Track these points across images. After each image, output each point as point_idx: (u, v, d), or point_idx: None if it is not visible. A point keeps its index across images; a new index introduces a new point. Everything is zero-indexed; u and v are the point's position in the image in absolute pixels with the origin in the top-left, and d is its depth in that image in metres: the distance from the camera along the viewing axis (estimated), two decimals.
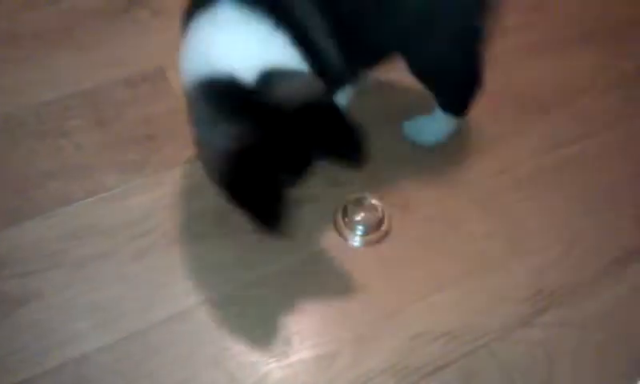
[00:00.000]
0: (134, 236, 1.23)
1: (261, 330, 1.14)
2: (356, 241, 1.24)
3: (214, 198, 1.26)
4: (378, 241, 1.24)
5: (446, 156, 1.35)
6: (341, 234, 1.25)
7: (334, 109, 0.98)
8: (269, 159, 0.96)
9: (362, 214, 1.26)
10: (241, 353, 1.12)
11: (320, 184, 1.28)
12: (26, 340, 1.11)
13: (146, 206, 1.27)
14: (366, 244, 1.24)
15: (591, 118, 1.45)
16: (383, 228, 1.25)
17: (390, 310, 1.16)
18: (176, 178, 1.30)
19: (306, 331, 1.14)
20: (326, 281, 1.19)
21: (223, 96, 0.98)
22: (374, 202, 1.28)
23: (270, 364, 1.11)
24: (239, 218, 1.22)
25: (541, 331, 1.15)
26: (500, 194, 1.31)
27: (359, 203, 1.27)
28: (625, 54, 1.57)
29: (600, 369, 1.13)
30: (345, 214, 1.26)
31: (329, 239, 1.24)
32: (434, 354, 1.12)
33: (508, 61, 1.52)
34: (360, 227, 1.24)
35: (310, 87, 0.99)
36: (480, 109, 1.41)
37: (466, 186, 1.32)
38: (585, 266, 1.23)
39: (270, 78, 0.97)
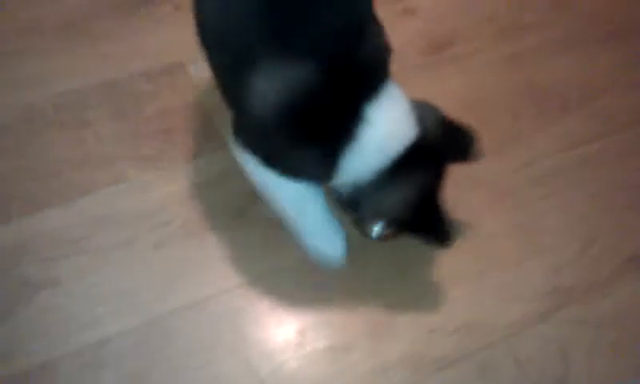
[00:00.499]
0: (154, 226, 1.24)
1: (276, 321, 1.16)
2: (375, 232, 1.24)
3: (231, 191, 1.28)
4: (395, 235, 1.24)
5: None
6: (358, 226, 1.25)
7: (447, 120, 1.12)
8: (435, 197, 1.11)
9: None
10: (258, 342, 1.13)
11: None
12: (46, 324, 1.13)
13: (164, 197, 1.28)
14: (385, 237, 1.24)
15: (613, 117, 1.44)
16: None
17: (406, 303, 1.17)
18: (194, 172, 1.32)
19: (322, 322, 1.15)
20: (343, 272, 1.20)
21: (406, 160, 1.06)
22: None
23: (285, 353, 1.12)
24: (255, 211, 1.25)
25: (556, 328, 1.15)
26: (519, 191, 1.31)
27: None
28: None
29: (615, 366, 1.13)
30: None
31: (347, 231, 1.24)
32: (450, 346, 1.13)
33: (530, 58, 1.52)
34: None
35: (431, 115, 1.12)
36: (501, 106, 1.42)
37: (486, 182, 1.32)
38: (602, 265, 1.23)
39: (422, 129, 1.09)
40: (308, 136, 1.04)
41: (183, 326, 1.14)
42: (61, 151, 1.33)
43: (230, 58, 1.06)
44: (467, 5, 1.61)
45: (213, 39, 1.10)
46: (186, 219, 1.25)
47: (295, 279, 1.19)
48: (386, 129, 1.05)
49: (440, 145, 1.09)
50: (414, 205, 1.07)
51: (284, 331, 1.15)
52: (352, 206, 1.12)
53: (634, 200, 1.32)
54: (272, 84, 1.00)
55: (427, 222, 1.11)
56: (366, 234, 1.15)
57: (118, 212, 1.26)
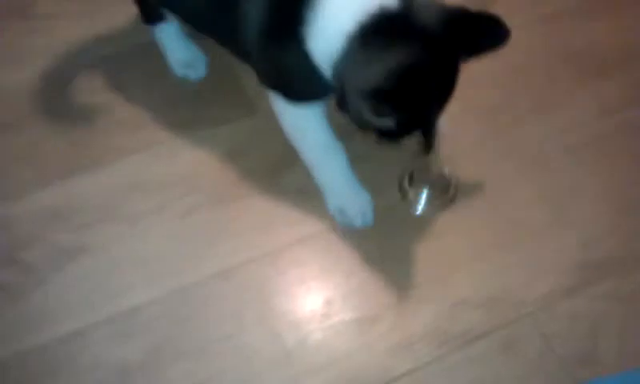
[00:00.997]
0: (183, 194, 1.25)
1: (304, 291, 1.16)
2: (418, 208, 1.24)
3: (262, 157, 1.28)
4: (442, 207, 1.23)
5: (499, 120, 1.33)
6: (404, 198, 1.24)
7: (466, 10, 1.02)
8: (427, 78, 1.01)
9: (430, 179, 1.24)
10: (285, 312, 1.14)
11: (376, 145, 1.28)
12: (78, 292, 1.16)
13: (194, 163, 1.29)
14: (431, 210, 1.23)
15: None
16: (449, 195, 1.24)
17: (432, 275, 1.17)
18: (225, 136, 1.32)
19: (348, 294, 1.16)
20: (370, 243, 1.20)
21: (381, 28, 1.00)
22: (444, 170, 1.26)
23: (311, 324, 1.13)
24: (284, 179, 1.25)
25: (587, 303, 1.14)
26: (552, 159, 1.28)
27: (427, 169, 1.25)
28: None
29: None
30: (411, 179, 1.24)
31: (387, 198, 1.24)
32: (475, 321, 1.12)
33: (566, 22, 1.47)
34: (425, 193, 1.24)
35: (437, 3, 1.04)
36: (536, 70, 1.38)
37: (520, 148, 1.29)
38: (634, 239, 1.20)
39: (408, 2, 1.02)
40: (282, 28, 1.05)
41: (210, 295, 1.15)
42: (94, 116, 1.35)
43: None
44: None
45: None
46: (215, 186, 1.26)
47: (323, 249, 1.20)
48: None
49: (437, 33, 1.00)
50: (393, 77, 0.98)
51: (311, 301, 1.15)
52: (343, 103, 1.06)
53: None
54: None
55: (417, 109, 1.03)
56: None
57: (149, 179, 1.28)
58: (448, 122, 1.20)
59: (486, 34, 1.03)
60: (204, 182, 1.26)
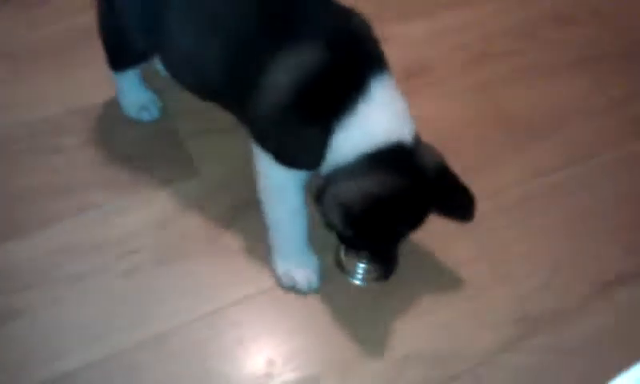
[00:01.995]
0: (124, 254, 1.23)
1: (244, 352, 1.15)
2: (358, 278, 1.24)
3: (203, 218, 1.28)
4: (379, 278, 1.24)
5: None
6: (340, 270, 1.24)
7: (455, 175, 1.12)
8: (403, 210, 1.08)
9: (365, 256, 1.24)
10: (225, 374, 1.12)
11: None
12: (10, 356, 1.11)
13: (135, 224, 1.28)
14: (369, 281, 1.24)
15: (579, 144, 1.46)
16: (387, 268, 1.25)
17: (375, 334, 1.17)
18: (166, 198, 1.31)
19: (291, 353, 1.14)
20: (313, 302, 1.20)
21: (388, 156, 1.06)
22: None
23: None
24: (227, 240, 1.25)
25: (525, 357, 1.16)
26: (486, 219, 1.31)
27: None
28: (613, 82, 1.58)
29: None
30: (347, 251, 1.25)
31: (325, 258, 1.24)
32: (419, 377, 1.12)
33: (496, 87, 1.54)
34: (362, 265, 1.24)
35: (436, 154, 1.12)
36: (468, 134, 1.43)
37: None
38: (570, 292, 1.24)
39: (417, 144, 1.10)
40: (314, 111, 1.08)
41: (149, 358, 1.12)
42: (33, 178, 1.33)
43: (228, 69, 1.12)
44: (439, 33, 1.63)
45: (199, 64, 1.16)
46: (156, 247, 1.25)
47: (263, 309, 1.19)
48: (380, 114, 1.06)
49: (428, 181, 1.08)
50: (372, 203, 1.04)
51: (252, 363, 1.14)
52: (319, 198, 1.10)
53: (601, 227, 1.33)
54: (287, 71, 1.06)
55: (379, 237, 1.10)
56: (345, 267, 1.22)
57: (88, 239, 1.25)
58: None
59: (461, 206, 1.13)
60: (141, 244, 1.25)
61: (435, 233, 1.28)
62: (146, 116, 1.41)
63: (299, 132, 1.10)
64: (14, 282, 1.19)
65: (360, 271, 1.23)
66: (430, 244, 1.27)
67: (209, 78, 1.16)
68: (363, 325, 1.17)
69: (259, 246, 1.24)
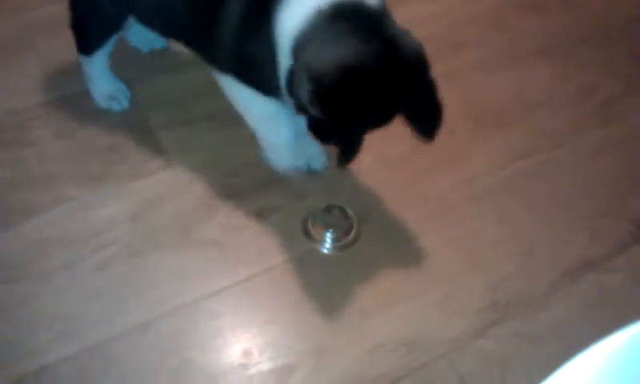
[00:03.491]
0: (98, 247, 1.23)
1: (221, 343, 1.15)
2: (326, 247, 1.27)
3: (176, 210, 1.28)
4: (347, 246, 1.27)
5: (405, 171, 1.38)
6: (308, 238, 1.27)
7: (434, 82, 1.07)
8: (376, 89, 1.01)
9: (333, 220, 1.29)
10: (202, 365, 1.13)
11: (286, 196, 1.31)
12: None
13: (109, 217, 1.27)
14: (336, 250, 1.26)
15: (547, 132, 1.48)
16: (352, 235, 1.28)
17: (349, 322, 1.18)
18: (139, 190, 1.31)
19: (266, 343, 1.16)
20: (290, 292, 1.21)
21: (353, 15, 1.02)
22: (344, 209, 1.31)
23: (229, 376, 1.12)
24: (200, 230, 1.25)
25: (496, 342, 1.18)
26: (458, 207, 1.34)
27: (329, 211, 1.30)
28: (580, 69, 1.61)
29: None
30: (315, 220, 1.29)
31: (298, 246, 1.26)
32: (393, 364, 1.14)
33: (465, 76, 1.55)
34: (329, 233, 1.27)
35: (418, 44, 1.06)
36: None
37: (426, 199, 1.34)
38: (539, 278, 1.26)
39: (385, 12, 1.05)
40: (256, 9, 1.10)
41: (125, 351, 1.13)
42: (3, 172, 1.32)
43: (194, 9, 1.18)
44: (406, 24, 1.63)
45: None
46: (130, 240, 1.25)
47: (239, 300, 1.20)
48: None
49: (405, 61, 1.03)
50: (342, 71, 1.00)
51: (228, 353, 1.14)
52: (290, 80, 1.08)
53: (570, 213, 1.36)
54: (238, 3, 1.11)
55: (348, 118, 1.04)
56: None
57: (62, 234, 1.25)
58: (357, 176, 1.27)
59: (428, 118, 1.09)
60: (115, 236, 1.25)
61: (407, 221, 1.30)
62: (115, 106, 1.41)
63: (251, 40, 1.13)
64: None
65: (328, 240, 1.27)
66: (402, 232, 1.29)
67: (178, 19, 1.22)
68: (337, 314, 1.19)
69: (233, 237, 1.25)
